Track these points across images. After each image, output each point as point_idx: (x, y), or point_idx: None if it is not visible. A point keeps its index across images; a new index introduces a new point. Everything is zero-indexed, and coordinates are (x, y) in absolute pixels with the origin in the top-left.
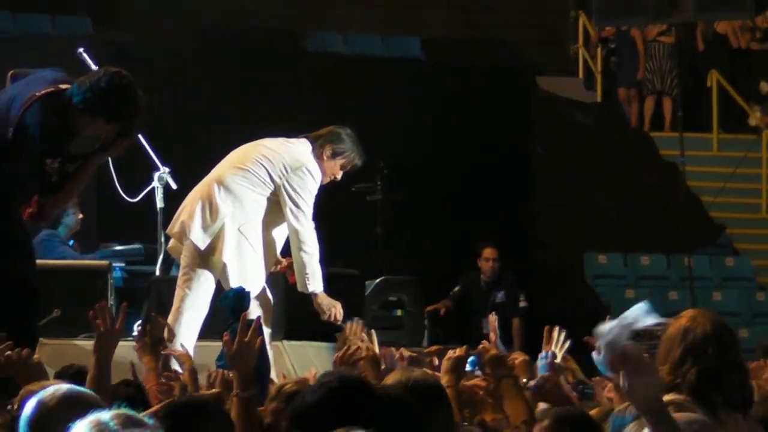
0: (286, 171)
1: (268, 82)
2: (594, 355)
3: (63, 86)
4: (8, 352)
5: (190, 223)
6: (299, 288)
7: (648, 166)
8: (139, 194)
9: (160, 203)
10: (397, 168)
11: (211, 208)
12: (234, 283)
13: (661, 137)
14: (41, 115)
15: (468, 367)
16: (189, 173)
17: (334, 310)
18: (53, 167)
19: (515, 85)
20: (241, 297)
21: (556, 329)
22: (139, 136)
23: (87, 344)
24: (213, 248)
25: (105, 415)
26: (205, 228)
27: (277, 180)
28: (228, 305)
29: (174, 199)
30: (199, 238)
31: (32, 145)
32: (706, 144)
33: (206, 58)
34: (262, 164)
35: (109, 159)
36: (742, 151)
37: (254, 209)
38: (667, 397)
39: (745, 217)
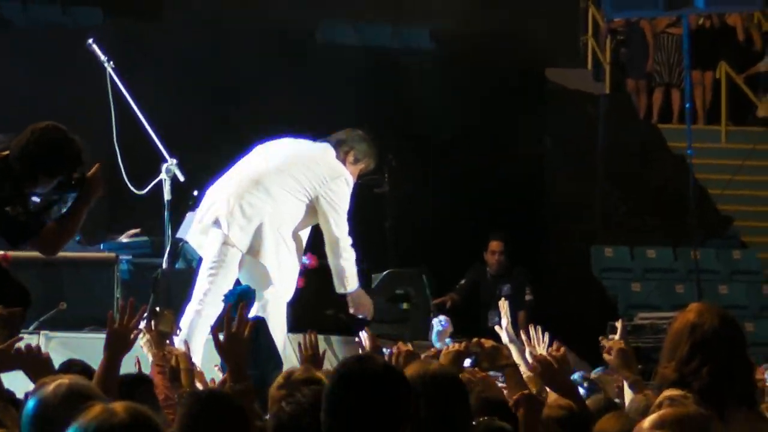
0: (326, 180)
1: (279, 74)
2: (605, 356)
3: (2, 153)
4: (17, 345)
5: (229, 219)
6: (337, 290)
7: (656, 158)
8: (147, 186)
9: (167, 195)
10: (405, 160)
11: (250, 208)
12: (275, 282)
13: (670, 129)
14: None
15: (467, 363)
16: (197, 165)
17: (364, 309)
18: (17, 211)
19: (524, 77)
20: (244, 295)
21: (532, 327)
22: (147, 127)
23: (93, 337)
24: (252, 249)
25: (114, 405)
26: (242, 227)
27: (317, 187)
28: (234, 303)
29: (182, 191)
30: (238, 237)
31: None
32: (714, 136)
33: (215, 50)
34: (302, 172)
35: (117, 150)
36: (750, 143)
37: (291, 213)
38: (667, 393)
39: (752, 210)
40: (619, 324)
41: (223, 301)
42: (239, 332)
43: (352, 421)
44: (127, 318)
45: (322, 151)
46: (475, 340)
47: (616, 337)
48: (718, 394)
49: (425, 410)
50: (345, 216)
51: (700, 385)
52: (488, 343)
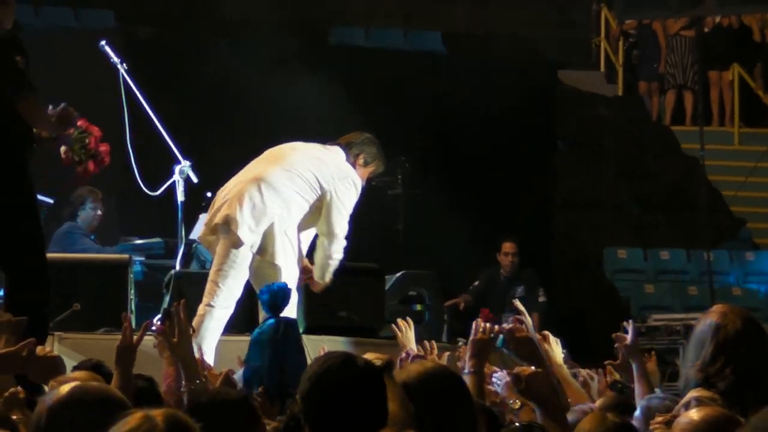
0: (334, 179)
1: (290, 76)
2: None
3: None
4: (29, 347)
5: (238, 219)
6: (314, 276)
7: (669, 160)
8: (160, 188)
9: (180, 197)
10: (418, 162)
11: (260, 209)
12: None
13: (682, 131)
14: None
15: (498, 344)
16: (210, 167)
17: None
18: (23, 62)
19: (537, 79)
20: (280, 293)
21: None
22: (160, 128)
23: (107, 338)
24: (263, 249)
25: (153, 413)
26: (252, 227)
27: (325, 186)
28: (266, 300)
29: (195, 192)
30: (248, 237)
31: None
32: (727, 138)
33: (226, 52)
34: (310, 170)
35: (130, 152)
36: (763, 146)
37: (298, 213)
38: (694, 393)
39: (765, 212)
40: (629, 325)
41: (258, 297)
42: (186, 330)
43: (331, 413)
44: (129, 334)
45: (332, 153)
46: (507, 327)
47: (628, 338)
48: (742, 394)
49: (425, 411)
50: (347, 217)
51: (724, 385)
52: (521, 333)
